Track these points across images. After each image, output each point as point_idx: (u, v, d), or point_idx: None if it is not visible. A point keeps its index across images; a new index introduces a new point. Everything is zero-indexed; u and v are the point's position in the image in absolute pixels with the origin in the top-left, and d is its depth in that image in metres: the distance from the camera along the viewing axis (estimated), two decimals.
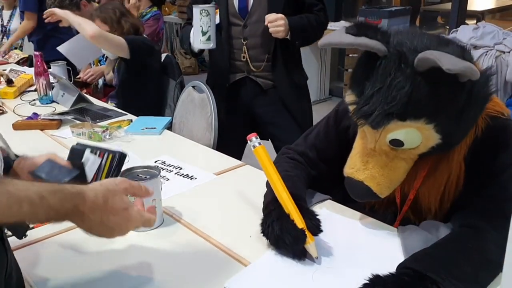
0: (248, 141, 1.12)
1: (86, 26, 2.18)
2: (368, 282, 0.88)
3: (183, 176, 1.47)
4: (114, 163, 1.01)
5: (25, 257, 1.06)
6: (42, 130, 1.93)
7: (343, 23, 4.49)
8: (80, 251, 1.09)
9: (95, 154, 1.01)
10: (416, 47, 0.92)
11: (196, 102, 2.15)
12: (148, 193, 0.92)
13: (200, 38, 1.88)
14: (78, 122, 1.96)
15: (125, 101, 2.42)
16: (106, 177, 1.01)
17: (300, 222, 1.01)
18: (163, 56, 2.64)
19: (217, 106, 2.05)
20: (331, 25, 4.14)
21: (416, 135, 0.96)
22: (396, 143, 0.98)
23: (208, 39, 1.88)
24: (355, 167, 1.05)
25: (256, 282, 0.96)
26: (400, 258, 0.98)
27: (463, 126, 0.98)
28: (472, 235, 0.97)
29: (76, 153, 1.06)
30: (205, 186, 1.41)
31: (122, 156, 1.03)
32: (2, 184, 0.69)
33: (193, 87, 2.21)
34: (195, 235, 1.15)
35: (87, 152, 1.04)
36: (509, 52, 3.10)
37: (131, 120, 2.01)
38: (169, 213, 1.24)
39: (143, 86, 2.40)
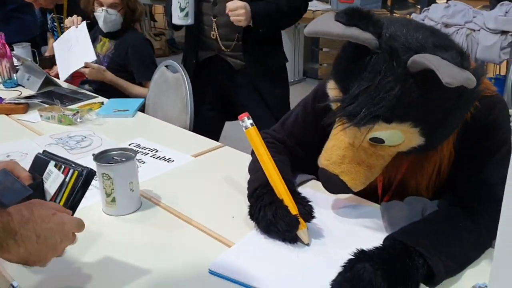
0: (240, 122, 1.08)
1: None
2: (353, 257, 0.87)
3: (160, 159, 1.43)
4: (80, 182, 0.88)
5: None
6: (7, 114, 1.84)
7: (315, 3, 4.45)
8: None
9: (59, 169, 0.89)
10: (410, 44, 0.86)
11: (170, 82, 2.09)
12: (68, 211, 0.83)
13: (178, 14, 1.86)
14: (46, 105, 1.88)
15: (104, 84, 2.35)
16: (69, 196, 0.88)
17: (293, 208, 0.99)
18: None
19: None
20: None
21: (399, 136, 0.92)
22: (377, 141, 0.95)
23: (186, 15, 1.86)
24: (331, 159, 1.00)
25: (241, 263, 0.93)
26: (383, 234, 0.97)
27: (449, 129, 0.95)
28: (463, 216, 0.96)
29: (40, 163, 0.93)
30: (183, 169, 1.37)
31: (90, 175, 0.89)
32: None
33: (166, 66, 2.15)
34: (176, 217, 1.11)
35: (51, 165, 0.91)
36: (479, 30, 3.13)
37: (102, 103, 1.95)
38: (147, 196, 1.20)
39: (126, 72, 2.36)
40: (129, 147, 1.47)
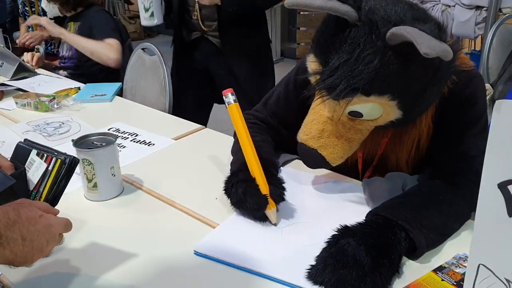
0: (223, 96, 1.07)
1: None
2: (337, 233, 0.88)
3: (140, 143, 1.42)
4: (63, 170, 0.87)
5: None
6: None
7: None
8: None
9: (41, 157, 0.88)
10: (390, 17, 0.86)
11: (147, 65, 2.06)
12: (55, 211, 0.82)
13: (143, 15, 1.85)
14: (21, 92, 1.84)
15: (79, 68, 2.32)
16: (52, 185, 0.87)
17: (264, 188, 0.99)
18: None
19: (176, 65, 1.98)
20: None
21: (377, 110, 0.93)
22: (355, 114, 0.95)
23: (152, 15, 1.85)
24: (310, 134, 1.01)
25: (226, 244, 0.94)
26: (365, 209, 0.99)
27: (426, 102, 0.95)
28: (443, 188, 0.98)
29: (21, 152, 0.91)
30: (164, 152, 1.36)
31: (74, 163, 0.88)
32: None
33: (143, 49, 2.12)
34: (159, 201, 1.11)
35: (33, 154, 0.90)
36: (454, 6, 3.16)
37: (79, 88, 1.91)
38: (129, 181, 1.19)
39: None
40: (109, 131, 1.45)
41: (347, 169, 1.14)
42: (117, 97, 1.84)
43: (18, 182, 0.84)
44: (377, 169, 1.13)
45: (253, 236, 0.96)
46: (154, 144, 1.40)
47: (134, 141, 1.42)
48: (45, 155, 0.89)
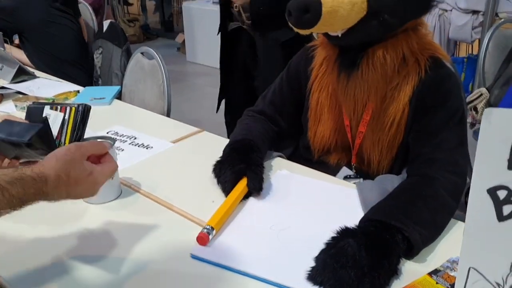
0: None
1: None
2: (337, 235, 0.90)
3: (139, 146, 1.43)
4: (79, 117, 0.93)
5: None
6: None
7: None
8: (37, 228, 1.04)
9: (56, 109, 0.92)
10: None
11: (146, 69, 2.08)
12: (105, 148, 0.88)
13: None
14: (21, 95, 1.85)
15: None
16: (72, 132, 0.93)
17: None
18: (107, 23, 2.54)
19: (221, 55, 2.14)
20: None
21: None
22: None
23: None
24: None
25: (222, 247, 0.95)
26: (359, 212, 1.00)
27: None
28: (424, 183, 1.01)
29: (34, 112, 0.96)
30: (162, 155, 1.37)
31: (87, 109, 0.95)
32: None
33: (142, 53, 2.13)
34: (156, 204, 1.12)
35: (47, 109, 0.95)
36: (451, 10, 3.18)
37: (78, 91, 1.93)
38: (127, 184, 1.20)
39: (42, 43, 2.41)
40: (108, 135, 1.47)
41: (336, 144, 1.24)
42: (116, 100, 1.86)
43: (44, 127, 0.87)
44: (363, 149, 1.19)
45: (249, 240, 0.97)
46: (152, 147, 1.41)
47: (132, 144, 1.44)
48: (59, 107, 0.94)
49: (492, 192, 0.57)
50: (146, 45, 4.79)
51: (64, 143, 0.91)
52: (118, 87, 1.97)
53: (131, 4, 6.89)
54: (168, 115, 1.94)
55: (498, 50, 2.11)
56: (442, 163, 1.03)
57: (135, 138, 1.47)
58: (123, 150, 1.40)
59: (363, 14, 1.02)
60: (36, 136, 0.84)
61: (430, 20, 3.25)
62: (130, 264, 0.92)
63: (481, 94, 2.05)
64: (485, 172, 0.57)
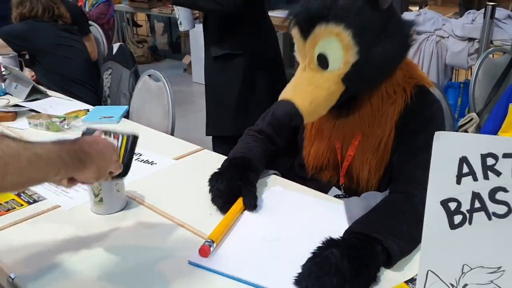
0: None
1: None
2: (322, 245, 0.98)
3: (143, 162, 1.53)
4: (129, 144, 1.03)
5: None
6: None
7: None
8: (48, 236, 1.14)
9: (110, 136, 1.03)
10: None
11: (153, 90, 2.19)
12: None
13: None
14: (34, 113, 1.97)
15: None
16: (123, 158, 1.03)
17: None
18: (116, 46, 2.66)
19: None
20: None
21: (337, 46, 1.08)
22: (323, 60, 1.11)
23: (180, 23, 2.30)
24: (287, 90, 1.16)
25: (217, 255, 1.04)
26: (345, 225, 1.09)
27: (380, 53, 1.10)
28: (404, 200, 1.10)
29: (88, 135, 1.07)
30: (165, 171, 1.47)
31: (135, 138, 1.05)
32: (30, 147, 0.80)
33: (149, 75, 2.25)
34: (158, 215, 1.22)
35: (102, 135, 1.06)
36: (448, 37, 3.29)
37: (88, 110, 2.04)
38: (132, 196, 1.30)
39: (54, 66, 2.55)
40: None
41: (328, 165, 1.32)
42: (123, 119, 1.96)
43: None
44: (352, 168, 1.27)
45: (242, 249, 1.06)
46: (156, 164, 1.51)
47: (137, 160, 1.54)
48: (112, 134, 1.04)
49: (445, 203, 0.66)
50: (153, 66, 4.92)
51: None
52: (126, 107, 2.08)
53: (140, 26, 7.08)
54: (172, 133, 2.04)
55: (488, 77, 2.21)
56: (421, 181, 1.10)
57: (141, 155, 1.57)
58: None
59: (342, 91, 1.15)
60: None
61: (428, 46, 3.36)
62: (132, 270, 1.02)
63: (472, 119, 2.15)
64: (438, 186, 0.66)
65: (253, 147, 1.36)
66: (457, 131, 2.18)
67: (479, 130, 2.10)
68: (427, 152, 1.15)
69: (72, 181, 0.96)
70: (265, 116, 1.45)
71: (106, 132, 1.04)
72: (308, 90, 1.13)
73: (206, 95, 2.41)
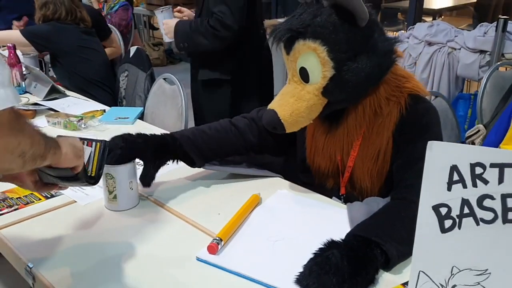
0: None
1: None
2: (324, 246, 1.03)
3: None
4: (101, 151, 1.08)
5: (14, 235, 1.17)
6: None
7: None
8: (64, 229, 1.20)
9: (84, 144, 1.08)
10: None
11: (167, 93, 2.26)
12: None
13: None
14: (52, 112, 2.04)
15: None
16: (97, 165, 1.08)
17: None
18: (133, 49, 2.74)
19: None
20: None
21: (315, 61, 1.16)
22: (304, 74, 1.19)
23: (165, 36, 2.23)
24: (274, 100, 1.24)
25: (223, 253, 1.10)
26: (347, 228, 1.13)
27: (358, 68, 1.16)
28: (403, 206, 1.14)
29: None
30: (176, 171, 1.52)
31: (107, 144, 1.11)
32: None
33: (164, 79, 2.32)
34: (169, 213, 1.28)
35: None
36: (460, 49, 3.32)
37: (104, 110, 2.11)
38: (144, 195, 1.36)
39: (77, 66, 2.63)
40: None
41: (331, 174, 1.36)
42: (138, 120, 2.03)
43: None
44: (352, 176, 1.31)
45: (247, 248, 1.12)
46: (168, 164, 1.57)
47: None
48: (86, 142, 1.09)
49: (436, 208, 0.71)
50: (169, 69, 4.99)
51: (92, 170, 1.08)
52: (141, 109, 2.15)
53: (157, 29, 7.18)
54: None
55: (496, 89, 2.24)
56: (418, 189, 1.15)
57: None
58: (142, 165, 1.56)
59: (324, 104, 1.22)
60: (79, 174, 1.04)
61: (440, 57, 3.39)
62: (142, 263, 1.07)
63: (479, 130, 2.18)
64: (430, 192, 0.71)
65: (208, 133, 1.40)
66: (464, 142, 2.22)
67: None
68: (424, 159, 1.21)
69: (46, 186, 1.05)
70: (260, 110, 1.46)
71: (81, 139, 1.09)
72: (290, 101, 1.21)
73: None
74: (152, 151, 1.31)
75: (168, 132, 1.42)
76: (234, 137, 1.41)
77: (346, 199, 1.34)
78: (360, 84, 1.19)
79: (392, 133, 1.24)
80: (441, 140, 1.23)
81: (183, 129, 1.41)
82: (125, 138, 1.29)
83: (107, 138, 1.75)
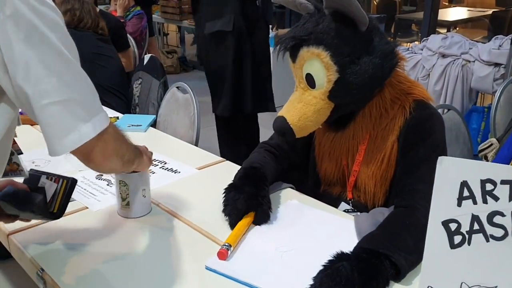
0: None
1: None
2: (333, 258, 1.03)
3: (168, 170, 1.60)
4: (67, 189, 1.10)
5: (27, 240, 1.19)
6: (32, 125, 2.03)
7: None
8: (75, 235, 1.22)
9: (51, 180, 1.10)
10: None
11: (180, 102, 2.28)
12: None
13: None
14: None
15: None
16: (61, 202, 1.10)
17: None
18: (147, 56, 2.77)
19: None
20: None
21: (320, 66, 1.19)
22: (310, 80, 1.22)
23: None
24: (283, 107, 1.27)
25: (232, 261, 1.10)
26: (355, 240, 1.13)
27: (360, 70, 1.19)
28: (407, 214, 1.14)
29: (32, 178, 1.13)
30: (187, 179, 1.54)
31: (74, 182, 1.11)
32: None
33: (177, 87, 2.34)
34: (179, 221, 1.29)
35: (43, 178, 1.12)
36: (474, 61, 3.30)
37: (118, 118, 2.13)
38: (156, 202, 1.37)
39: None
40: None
41: (337, 178, 1.38)
42: (151, 128, 2.05)
43: (43, 198, 1.08)
44: (357, 180, 1.33)
45: (256, 258, 1.12)
46: (179, 172, 1.59)
47: (162, 168, 1.61)
48: (53, 178, 1.11)
49: (446, 224, 0.71)
50: (182, 76, 5.01)
51: (55, 205, 1.10)
52: (153, 116, 2.17)
53: (167, 34, 7.25)
54: (196, 144, 2.11)
55: (510, 103, 2.22)
56: (423, 194, 1.16)
57: (165, 163, 1.65)
58: (154, 173, 1.57)
59: (331, 108, 1.25)
60: (36, 205, 1.06)
61: (454, 69, 3.38)
62: (152, 270, 1.08)
63: (492, 144, 2.16)
64: (440, 207, 0.71)
65: (268, 161, 1.42)
66: (476, 155, 2.20)
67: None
68: (428, 164, 1.22)
69: (9, 217, 1.10)
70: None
71: (48, 175, 1.11)
72: (298, 107, 1.24)
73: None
74: (262, 197, 1.29)
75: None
76: (275, 163, 1.45)
77: (354, 204, 1.35)
78: (364, 85, 1.21)
79: (397, 138, 1.26)
80: (444, 146, 1.25)
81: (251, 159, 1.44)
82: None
83: None
